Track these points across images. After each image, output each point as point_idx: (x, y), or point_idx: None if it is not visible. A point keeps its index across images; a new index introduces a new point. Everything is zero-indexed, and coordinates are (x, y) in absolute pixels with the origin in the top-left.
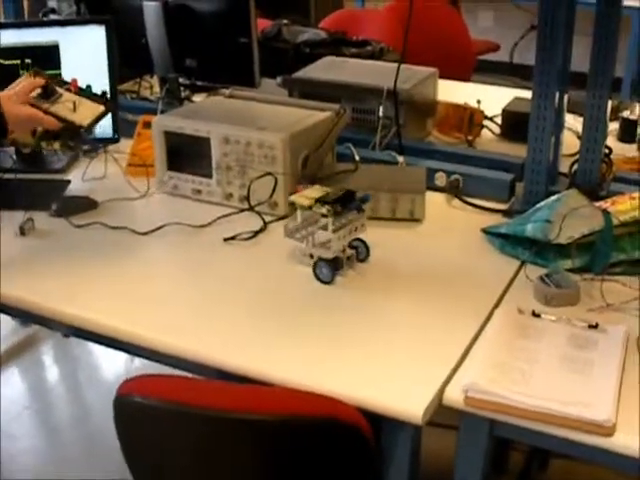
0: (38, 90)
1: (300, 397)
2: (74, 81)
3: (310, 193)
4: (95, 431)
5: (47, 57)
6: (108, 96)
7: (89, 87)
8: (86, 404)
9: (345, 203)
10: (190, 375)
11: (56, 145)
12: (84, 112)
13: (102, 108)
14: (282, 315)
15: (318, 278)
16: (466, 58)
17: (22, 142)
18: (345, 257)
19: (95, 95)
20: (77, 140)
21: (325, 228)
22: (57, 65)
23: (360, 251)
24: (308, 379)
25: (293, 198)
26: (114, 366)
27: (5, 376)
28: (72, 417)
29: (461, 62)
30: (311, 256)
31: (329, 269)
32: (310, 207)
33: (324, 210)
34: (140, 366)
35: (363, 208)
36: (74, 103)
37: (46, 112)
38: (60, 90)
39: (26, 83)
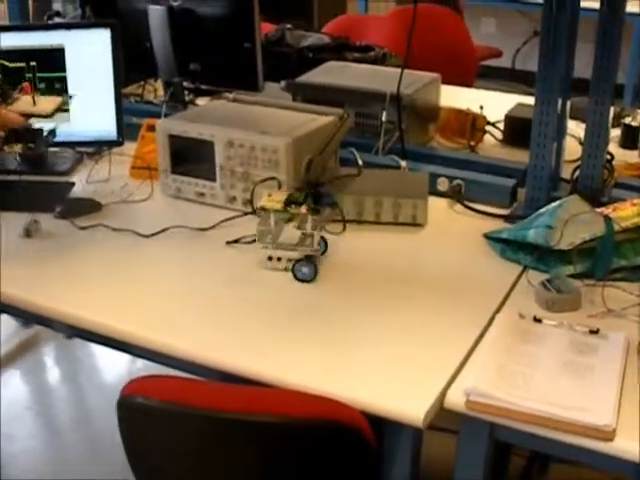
0: None
1: (303, 399)
2: (26, 85)
3: (276, 197)
4: (96, 433)
5: (52, 60)
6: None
7: (42, 87)
8: (87, 406)
9: (317, 200)
10: (192, 377)
11: (17, 148)
12: (44, 105)
13: (60, 99)
14: (283, 317)
15: (298, 278)
16: (469, 64)
17: None
18: (318, 254)
19: (49, 91)
20: (38, 142)
21: (299, 228)
22: (62, 68)
23: (320, 246)
24: (310, 381)
25: (263, 204)
26: (116, 368)
27: (6, 377)
28: (73, 419)
29: (464, 68)
30: (278, 259)
31: (310, 267)
32: (284, 210)
33: (303, 209)
34: (142, 368)
35: (336, 202)
36: (33, 100)
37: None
38: (15, 94)
39: None
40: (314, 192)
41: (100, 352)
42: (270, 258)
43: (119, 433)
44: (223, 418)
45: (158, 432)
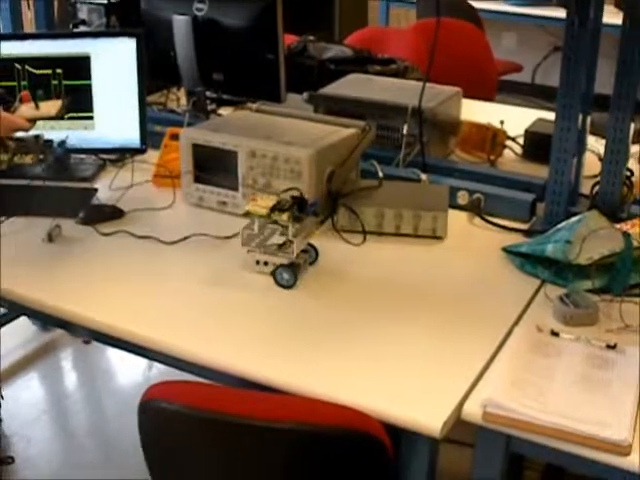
0: None
1: (324, 408)
2: (25, 94)
3: (263, 202)
4: (111, 438)
5: (78, 68)
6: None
7: (40, 93)
8: (103, 411)
9: (301, 209)
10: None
11: (27, 159)
12: (47, 108)
13: (60, 102)
14: (304, 327)
15: (279, 284)
16: (489, 78)
17: None
18: (301, 261)
19: (48, 97)
20: (46, 153)
21: (282, 234)
22: (87, 76)
23: (310, 255)
24: (330, 390)
25: (249, 208)
26: (132, 374)
27: (24, 380)
28: (89, 423)
29: (484, 82)
30: (265, 263)
31: (290, 273)
32: (268, 215)
33: (285, 217)
34: (158, 374)
35: (317, 212)
36: (35, 105)
37: None
38: (16, 103)
39: None
40: (301, 199)
41: (116, 358)
42: (257, 262)
43: (139, 437)
44: (245, 424)
45: (179, 437)
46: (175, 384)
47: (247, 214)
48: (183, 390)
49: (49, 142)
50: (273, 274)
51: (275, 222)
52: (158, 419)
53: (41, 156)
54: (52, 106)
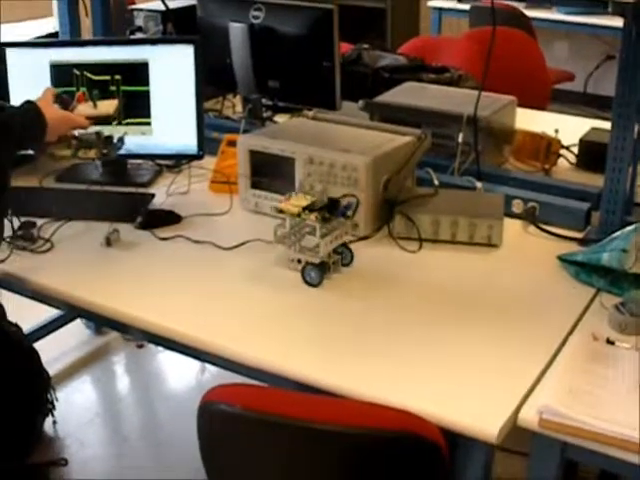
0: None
1: (383, 411)
2: (80, 94)
3: (297, 201)
4: (164, 441)
5: (136, 74)
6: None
7: (95, 93)
8: (156, 414)
9: (331, 210)
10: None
11: (91, 153)
12: (104, 107)
13: (117, 101)
14: (359, 331)
15: (306, 282)
16: (542, 87)
17: (60, 155)
18: (331, 262)
19: (103, 96)
20: (110, 149)
21: (313, 234)
22: (146, 82)
23: (345, 256)
24: (387, 394)
25: (282, 206)
26: (184, 378)
27: (78, 383)
28: (141, 426)
29: (537, 91)
30: (299, 261)
31: (317, 273)
32: (299, 215)
33: (312, 217)
34: (210, 378)
35: (348, 214)
36: (92, 104)
37: None
38: (73, 102)
39: (45, 91)
40: (333, 200)
41: (169, 362)
42: (292, 260)
43: (198, 439)
44: (305, 427)
45: (239, 439)
46: (235, 387)
47: (280, 212)
48: (243, 392)
49: (110, 138)
50: (302, 271)
51: (304, 221)
52: (218, 421)
53: (104, 151)
54: (109, 105)
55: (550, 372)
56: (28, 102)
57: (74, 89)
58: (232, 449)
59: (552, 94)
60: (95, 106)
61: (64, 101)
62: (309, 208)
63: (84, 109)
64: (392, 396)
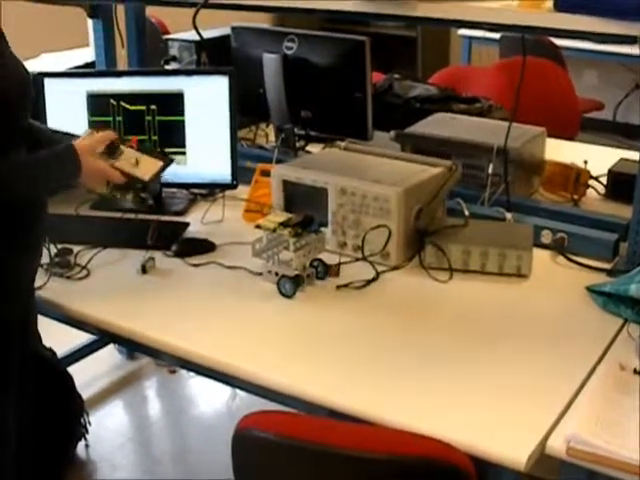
0: (103, 147)
1: (413, 439)
2: (134, 139)
3: (274, 218)
4: (194, 466)
5: (171, 104)
6: (166, 153)
7: (148, 144)
8: (186, 439)
9: (305, 226)
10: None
11: (129, 197)
12: (145, 167)
13: (161, 163)
14: (390, 358)
15: (281, 293)
16: (572, 116)
17: (97, 192)
18: (305, 275)
19: (153, 151)
20: (147, 193)
21: (288, 248)
22: (181, 112)
23: (319, 270)
24: (415, 422)
25: (260, 222)
26: (215, 403)
27: (110, 408)
28: (172, 451)
29: (567, 120)
30: (276, 274)
31: (291, 285)
32: (274, 230)
33: (286, 232)
34: (241, 404)
35: (321, 230)
36: (136, 159)
37: (111, 167)
38: (122, 147)
39: (102, 134)
40: (307, 217)
41: (200, 388)
42: (269, 272)
43: (232, 465)
44: (338, 454)
45: (274, 466)
46: (270, 414)
47: (257, 227)
48: (278, 420)
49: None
50: (277, 283)
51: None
52: (254, 448)
53: (143, 195)
54: (151, 166)
55: (578, 401)
56: (69, 147)
57: (110, 119)
58: (267, 476)
59: (581, 123)
60: (137, 163)
61: (112, 149)
62: (284, 224)
63: (124, 164)
64: (422, 424)
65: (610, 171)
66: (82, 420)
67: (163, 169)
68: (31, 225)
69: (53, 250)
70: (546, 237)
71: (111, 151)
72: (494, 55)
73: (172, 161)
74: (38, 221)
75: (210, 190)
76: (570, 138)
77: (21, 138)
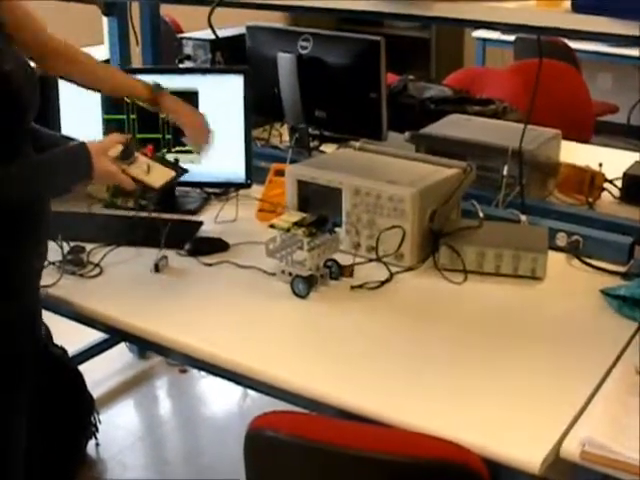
0: (117, 151)
1: (427, 440)
2: (150, 147)
3: (288, 217)
4: (205, 465)
5: (186, 102)
6: (180, 164)
7: (162, 155)
8: (197, 439)
9: (319, 226)
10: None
11: (130, 203)
12: (156, 175)
13: (173, 173)
14: (405, 361)
15: (295, 293)
16: (586, 119)
17: (97, 197)
18: (319, 275)
19: (167, 161)
20: (148, 199)
21: (302, 248)
22: None
23: (333, 270)
24: (430, 424)
25: (274, 222)
26: (226, 403)
27: (121, 407)
28: (183, 451)
29: (581, 123)
30: (289, 274)
31: (304, 284)
32: (288, 229)
33: (300, 232)
34: (252, 404)
35: (335, 230)
36: (148, 166)
37: (123, 172)
38: (137, 153)
39: (115, 136)
40: (321, 217)
41: (211, 388)
42: (283, 272)
43: (244, 465)
44: (351, 455)
45: (287, 466)
46: (282, 414)
47: (271, 227)
48: (290, 420)
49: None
50: (291, 283)
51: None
52: (266, 448)
53: (142, 202)
54: (162, 175)
55: (592, 404)
56: (82, 146)
57: (124, 117)
58: (278, 476)
59: (595, 126)
60: (149, 170)
61: (127, 153)
62: (298, 224)
63: (136, 170)
64: (435, 425)
65: (625, 174)
66: (92, 419)
67: (175, 179)
68: (34, 224)
69: (66, 248)
70: (561, 240)
71: (126, 155)
72: (508, 57)
73: (186, 171)
74: (41, 220)
75: (224, 189)
76: (584, 141)
77: (30, 138)
